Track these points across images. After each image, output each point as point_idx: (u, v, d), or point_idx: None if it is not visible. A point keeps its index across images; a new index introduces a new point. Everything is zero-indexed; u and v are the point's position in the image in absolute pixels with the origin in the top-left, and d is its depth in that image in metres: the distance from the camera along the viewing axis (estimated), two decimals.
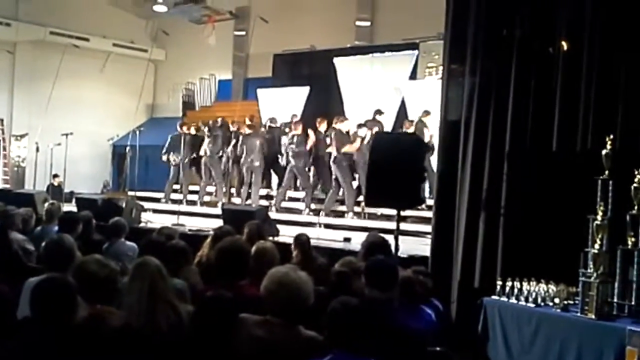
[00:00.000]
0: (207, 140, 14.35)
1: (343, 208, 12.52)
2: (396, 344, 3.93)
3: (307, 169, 13.35)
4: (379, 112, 13.30)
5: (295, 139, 13.06)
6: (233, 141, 14.18)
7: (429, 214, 8.17)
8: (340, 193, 12.59)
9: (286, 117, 14.98)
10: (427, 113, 12.27)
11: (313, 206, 12.93)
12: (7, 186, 17.97)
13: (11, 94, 20.99)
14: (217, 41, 20.40)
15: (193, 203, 14.63)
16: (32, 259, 6.57)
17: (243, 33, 21.20)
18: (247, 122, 14.24)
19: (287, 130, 13.86)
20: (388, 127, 13.83)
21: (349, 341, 3.29)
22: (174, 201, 14.50)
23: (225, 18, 20.42)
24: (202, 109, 21.79)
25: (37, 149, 15.92)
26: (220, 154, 14.39)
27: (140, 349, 3.50)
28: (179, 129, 15.12)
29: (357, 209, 12.34)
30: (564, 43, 6.73)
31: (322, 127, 13.35)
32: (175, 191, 15.11)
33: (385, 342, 3.70)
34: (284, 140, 13.52)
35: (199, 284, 4.85)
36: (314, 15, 18.94)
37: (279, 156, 13.74)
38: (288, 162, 13.21)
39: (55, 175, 16.96)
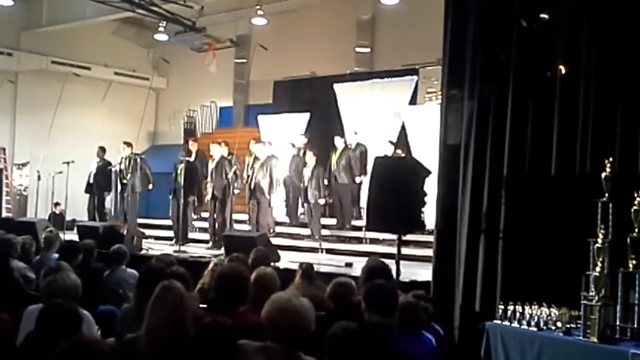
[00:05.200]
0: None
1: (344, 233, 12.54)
2: None
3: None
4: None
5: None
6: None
7: (431, 239, 8.17)
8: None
9: (286, 143, 14.97)
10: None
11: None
12: (10, 215, 17.97)
13: (13, 123, 20.96)
14: (218, 69, 20.44)
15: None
16: (32, 286, 6.58)
17: (244, 60, 21.29)
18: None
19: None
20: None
21: None
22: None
23: (226, 46, 20.44)
24: (203, 135, 21.82)
25: (39, 178, 15.87)
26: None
27: None
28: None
29: (359, 234, 12.37)
30: (561, 67, 6.76)
31: None
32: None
33: None
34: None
35: (198, 311, 4.83)
36: (314, 42, 19.00)
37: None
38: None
39: (57, 204, 16.96)
